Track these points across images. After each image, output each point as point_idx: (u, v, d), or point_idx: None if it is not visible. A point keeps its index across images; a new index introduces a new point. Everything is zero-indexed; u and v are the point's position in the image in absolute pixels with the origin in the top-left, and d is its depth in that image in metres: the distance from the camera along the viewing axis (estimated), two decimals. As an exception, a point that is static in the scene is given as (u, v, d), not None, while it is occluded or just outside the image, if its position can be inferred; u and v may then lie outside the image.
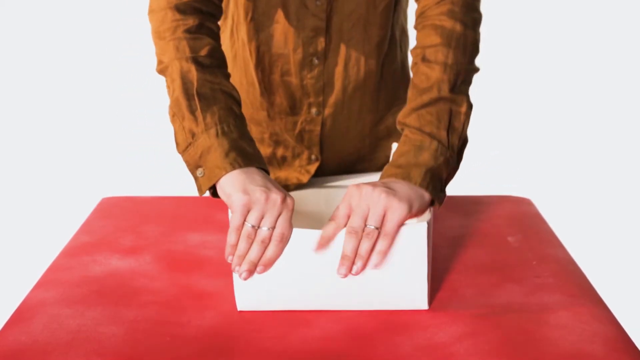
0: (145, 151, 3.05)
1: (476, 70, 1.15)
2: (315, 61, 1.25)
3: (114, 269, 1.10)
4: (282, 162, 1.36)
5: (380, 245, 0.96)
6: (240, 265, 0.95)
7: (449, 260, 1.13)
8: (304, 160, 1.35)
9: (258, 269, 0.96)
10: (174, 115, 1.05)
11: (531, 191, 1.73)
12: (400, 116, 1.11)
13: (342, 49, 1.25)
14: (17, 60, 3.28)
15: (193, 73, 1.05)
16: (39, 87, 3.25)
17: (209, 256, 1.14)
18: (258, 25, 1.24)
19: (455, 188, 1.48)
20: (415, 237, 0.96)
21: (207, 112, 1.02)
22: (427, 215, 1.00)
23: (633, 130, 3.16)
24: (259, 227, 0.96)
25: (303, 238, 0.96)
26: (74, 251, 1.17)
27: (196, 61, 1.06)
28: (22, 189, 2.90)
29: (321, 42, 1.24)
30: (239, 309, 0.98)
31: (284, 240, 0.96)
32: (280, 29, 1.23)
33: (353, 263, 0.95)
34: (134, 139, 3.10)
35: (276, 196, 0.96)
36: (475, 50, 1.14)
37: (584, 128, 3.17)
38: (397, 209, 0.96)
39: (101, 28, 3.29)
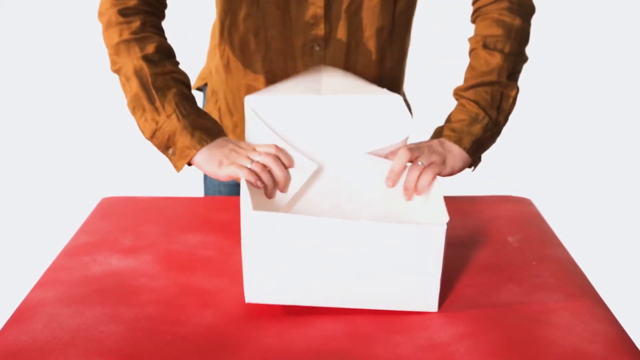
0: (145, 151, 3.04)
1: (526, 59, 1.29)
2: (316, 48, 1.28)
3: (114, 269, 1.10)
4: None
5: (423, 178, 1.11)
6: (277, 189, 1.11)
7: (449, 260, 1.13)
8: None
9: (282, 189, 1.11)
10: (134, 108, 1.18)
11: (531, 191, 1.73)
12: (458, 89, 1.25)
13: (342, 35, 1.28)
14: (17, 60, 3.28)
15: (145, 70, 1.17)
16: (39, 87, 3.25)
17: (209, 256, 1.14)
18: (264, 12, 1.27)
19: (455, 188, 1.48)
20: (433, 238, 0.95)
21: (165, 101, 1.15)
22: (446, 215, 1.00)
23: (633, 131, 3.15)
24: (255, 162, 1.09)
25: (319, 226, 0.94)
26: (74, 251, 1.17)
27: (146, 59, 1.18)
28: (23, 189, 2.90)
29: (321, 29, 1.26)
30: (247, 301, 0.98)
31: (276, 158, 1.10)
32: (281, 15, 1.26)
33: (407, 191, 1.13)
34: (134, 139, 3.09)
35: (236, 146, 1.12)
36: (527, 42, 1.29)
37: (583, 128, 3.17)
38: (445, 162, 1.15)
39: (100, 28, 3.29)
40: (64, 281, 1.07)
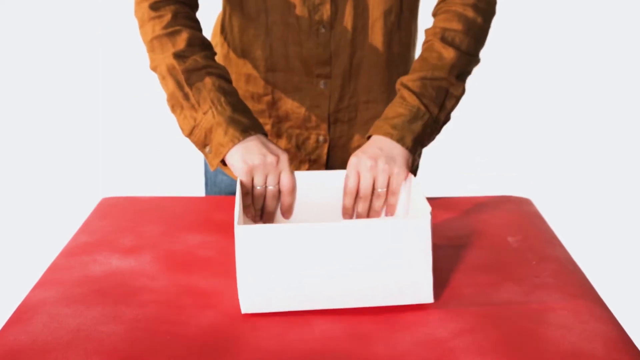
0: (145, 151, 3.05)
1: (479, 61, 1.26)
2: (322, 30, 1.26)
3: (114, 269, 1.10)
4: None
5: (391, 200, 1.14)
6: (260, 217, 1.14)
7: (449, 260, 1.13)
8: (310, 148, 1.34)
9: (285, 215, 1.14)
10: (173, 106, 1.18)
11: (531, 191, 1.73)
12: (405, 79, 1.21)
13: (349, 17, 1.26)
14: (18, 61, 3.28)
15: (177, 69, 1.17)
16: (39, 87, 3.25)
17: (209, 256, 1.14)
18: None
19: (455, 188, 1.48)
20: (419, 230, 0.96)
21: (200, 97, 1.15)
22: (428, 207, 1.00)
23: (633, 130, 3.16)
24: (265, 187, 1.11)
25: (306, 232, 0.95)
26: (74, 251, 1.17)
27: (177, 56, 1.17)
28: (23, 190, 2.90)
29: (327, 10, 1.24)
30: (243, 311, 0.98)
31: (294, 190, 1.12)
32: None
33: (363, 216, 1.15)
34: (133, 139, 3.10)
35: (272, 158, 1.11)
36: (484, 44, 1.26)
37: (583, 128, 3.17)
38: (400, 174, 1.13)
39: (101, 28, 3.29)
40: (64, 281, 1.07)
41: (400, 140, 1.15)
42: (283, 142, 1.35)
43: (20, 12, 3.31)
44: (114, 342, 0.91)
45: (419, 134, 1.16)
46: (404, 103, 1.18)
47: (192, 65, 1.17)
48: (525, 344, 0.91)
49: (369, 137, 1.19)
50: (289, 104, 1.32)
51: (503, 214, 1.31)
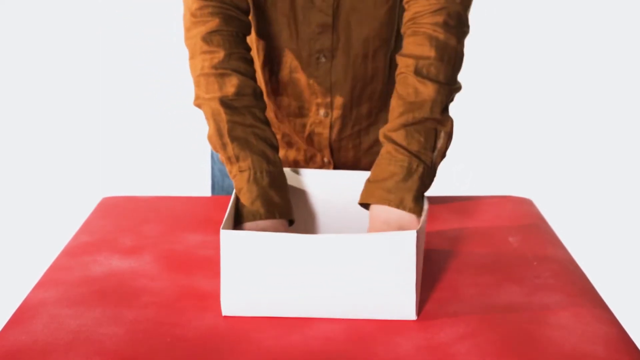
0: (145, 151, 3.05)
1: (460, 88, 1.13)
2: (322, 59, 1.21)
3: (114, 269, 1.10)
4: (295, 166, 1.34)
5: None
6: None
7: (449, 260, 1.13)
8: (317, 164, 1.33)
9: None
10: (213, 146, 1.12)
11: (531, 191, 1.73)
12: (387, 129, 1.09)
13: (350, 46, 1.21)
14: (18, 60, 3.28)
15: (222, 116, 1.09)
16: (39, 87, 3.25)
17: (209, 256, 1.14)
18: (267, 18, 1.21)
19: (456, 188, 1.47)
20: (404, 245, 0.94)
21: (240, 155, 1.07)
22: (416, 224, 0.99)
23: (633, 131, 3.15)
24: None
25: (290, 243, 0.95)
26: (74, 251, 1.17)
27: (224, 103, 1.09)
28: (23, 189, 2.90)
29: (328, 39, 1.20)
30: (223, 314, 0.98)
31: None
32: (287, 22, 1.20)
33: None
34: (134, 139, 3.10)
35: None
36: (460, 67, 1.13)
37: (583, 128, 3.17)
38: None
39: (101, 28, 3.29)
40: (64, 281, 1.07)
41: (400, 205, 1.05)
42: (293, 153, 1.33)
43: (21, 12, 3.31)
44: (114, 344, 0.91)
45: (418, 189, 1.06)
46: (392, 160, 1.07)
47: (240, 119, 1.09)
48: (526, 346, 0.91)
49: (364, 205, 1.10)
50: (292, 126, 1.30)
51: (503, 214, 1.31)
